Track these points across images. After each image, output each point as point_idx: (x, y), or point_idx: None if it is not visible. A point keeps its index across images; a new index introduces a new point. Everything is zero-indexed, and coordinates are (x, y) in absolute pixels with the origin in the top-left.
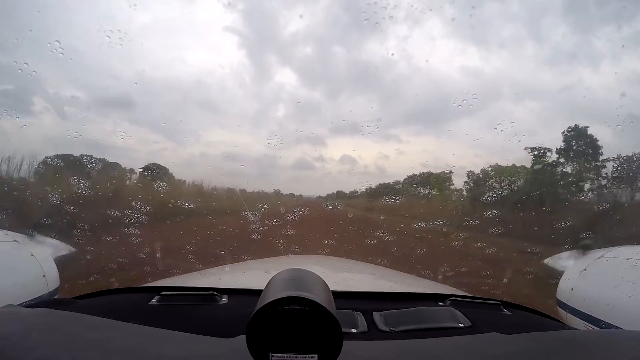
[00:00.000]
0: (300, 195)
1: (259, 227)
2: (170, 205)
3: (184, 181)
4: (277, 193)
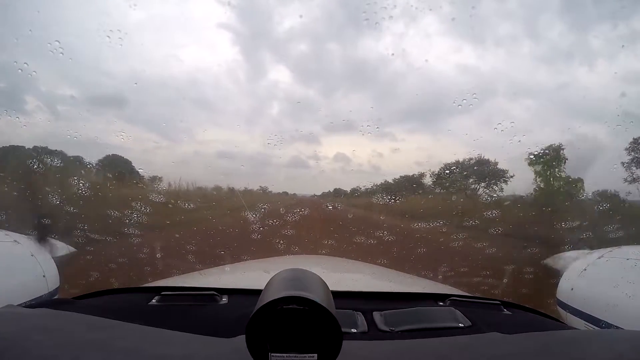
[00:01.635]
0: (295, 194)
1: (258, 228)
2: (169, 205)
3: (160, 177)
4: (264, 191)
